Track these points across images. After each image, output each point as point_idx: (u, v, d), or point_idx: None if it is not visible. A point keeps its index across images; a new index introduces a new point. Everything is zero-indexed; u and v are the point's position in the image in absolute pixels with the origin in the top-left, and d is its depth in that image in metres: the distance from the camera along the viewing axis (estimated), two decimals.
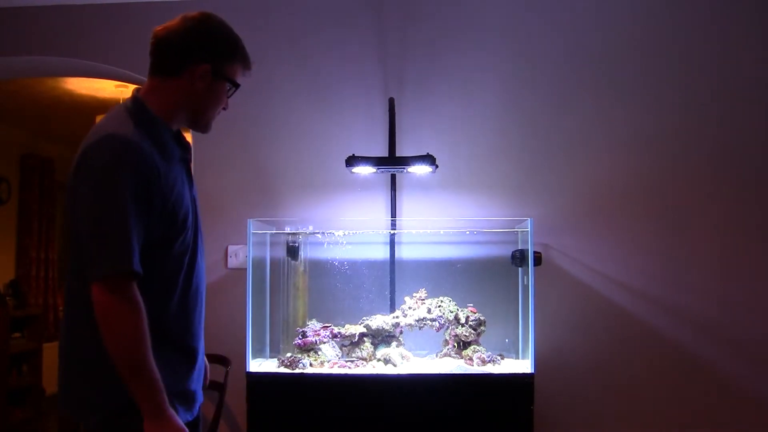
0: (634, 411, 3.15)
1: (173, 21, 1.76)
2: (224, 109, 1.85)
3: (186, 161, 1.83)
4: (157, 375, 1.59)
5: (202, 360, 1.88)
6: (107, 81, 3.89)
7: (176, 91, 1.75)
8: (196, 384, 1.82)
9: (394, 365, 2.83)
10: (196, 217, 1.82)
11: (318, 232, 3.12)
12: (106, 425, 1.66)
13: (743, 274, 3.14)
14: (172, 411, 1.62)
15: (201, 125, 1.84)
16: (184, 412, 1.74)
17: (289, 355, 2.89)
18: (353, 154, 2.95)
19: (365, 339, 2.94)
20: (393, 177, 3.23)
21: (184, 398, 1.76)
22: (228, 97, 1.84)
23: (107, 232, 1.57)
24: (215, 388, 3.00)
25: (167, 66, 1.74)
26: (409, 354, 2.95)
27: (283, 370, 2.80)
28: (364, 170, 3.00)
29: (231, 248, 3.27)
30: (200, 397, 1.87)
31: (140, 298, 1.60)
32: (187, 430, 1.64)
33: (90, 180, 1.59)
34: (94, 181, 1.59)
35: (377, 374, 2.77)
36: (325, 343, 2.91)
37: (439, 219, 3.21)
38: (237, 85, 1.82)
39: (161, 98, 1.75)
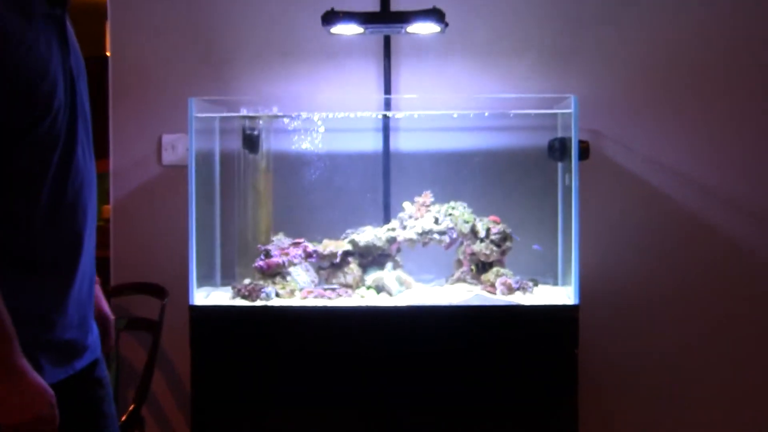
0: (698, 346, 2.84)
1: None
2: None
3: (57, 19, 1.56)
4: (4, 317, 1.38)
5: (89, 299, 1.62)
6: None
7: None
8: (78, 331, 1.58)
9: (390, 294, 2.62)
10: (74, 97, 1.56)
11: (285, 116, 2.86)
12: None
13: None
14: (27, 366, 1.40)
15: None
16: (52, 368, 1.51)
17: (247, 282, 2.68)
18: (332, 9, 2.63)
19: (351, 259, 2.73)
20: (387, 40, 2.92)
21: (56, 350, 1.54)
22: None
23: None
24: (147, 327, 2.74)
25: None
26: (409, 279, 2.73)
27: (239, 302, 2.58)
28: (348, 30, 2.70)
29: (165, 138, 2.96)
30: (92, 347, 1.63)
31: None
32: (50, 390, 1.42)
33: None
34: None
35: (367, 306, 2.55)
36: (296, 264, 2.70)
37: (449, 97, 2.90)
38: None
39: None
